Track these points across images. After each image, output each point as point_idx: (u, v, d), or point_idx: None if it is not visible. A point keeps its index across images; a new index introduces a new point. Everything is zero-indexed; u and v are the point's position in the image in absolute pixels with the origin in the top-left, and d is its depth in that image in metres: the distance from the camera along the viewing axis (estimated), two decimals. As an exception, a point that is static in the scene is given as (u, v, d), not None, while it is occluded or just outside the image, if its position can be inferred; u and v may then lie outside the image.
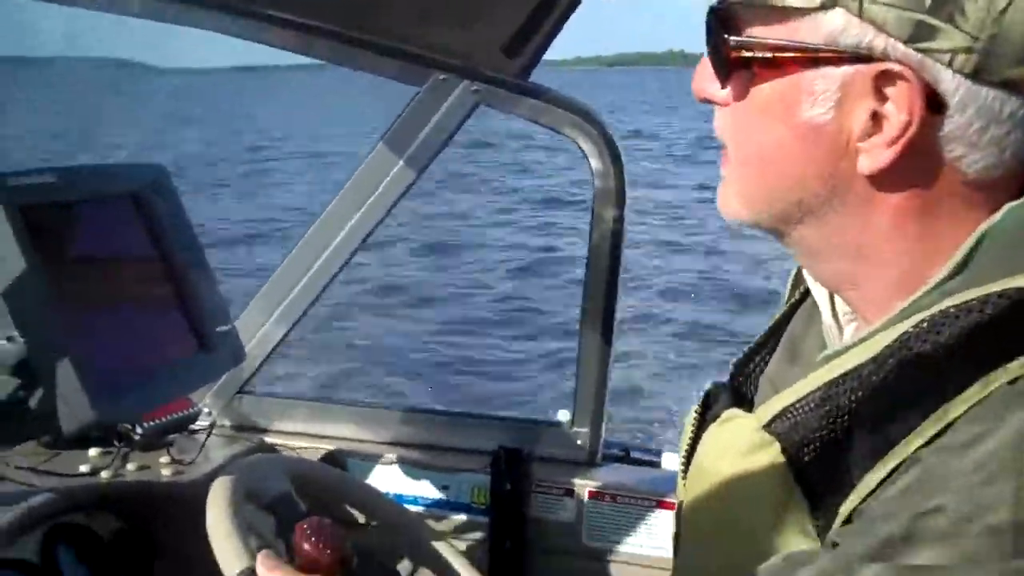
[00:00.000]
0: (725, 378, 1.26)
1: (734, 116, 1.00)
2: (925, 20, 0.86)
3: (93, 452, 2.14)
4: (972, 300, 0.88)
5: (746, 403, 1.17)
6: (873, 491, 0.88)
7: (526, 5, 1.93)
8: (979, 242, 0.92)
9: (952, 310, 0.89)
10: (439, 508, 2.46)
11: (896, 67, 0.88)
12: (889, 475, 0.87)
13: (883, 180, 0.94)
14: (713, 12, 0.97)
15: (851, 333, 1.06)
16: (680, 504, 1.19)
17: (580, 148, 2.22)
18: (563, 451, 2.44)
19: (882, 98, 0.90)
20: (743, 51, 0.95)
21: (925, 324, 0.89)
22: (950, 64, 0.87)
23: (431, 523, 2.28)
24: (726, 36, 0.96)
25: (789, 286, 1.27)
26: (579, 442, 2.43)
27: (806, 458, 0.94)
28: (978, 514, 0.78)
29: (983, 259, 0.92)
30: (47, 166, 1.34)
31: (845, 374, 0.94)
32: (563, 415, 2.46)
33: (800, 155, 0.96)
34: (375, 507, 1.94)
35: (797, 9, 0.90)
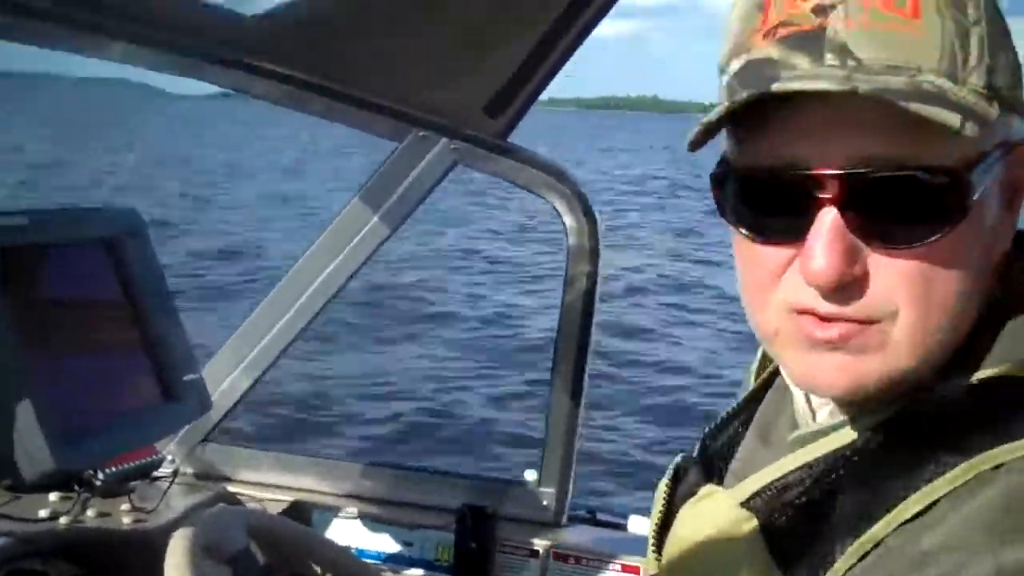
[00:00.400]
0: (694, 452, 1.26)
1: (915, 273, 0.88)
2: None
3: (53, 497, 2.11)
4: (959, 386, 0.89)
5: (715, 478, 1.16)
6: (852, 567, 0.87)
7: (509, 66, 1.94)
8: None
9: (935, 396, 0.89)
10: (402, 564, 2.43)
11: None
12: (868, 552, 0.86)
13: (994, 266, 0.95)
14: (896, 174, 0.86)
15: (826, 415, 1.03)
16: None
17: (555, 208, 2.24)
18: (529, 511, 2.42)
19: (1014, 177, 0.93)
20: (957, 191, 0.86)
21: (909, 410, 0.90)
22: None
23: None
24: (934, 181, 0.85)
25: (756, 362, 1.26)
26: (545, 502, 2.41)
27: (783, 534, 0.94)
28: None
29: (966, 350, 0.93)
30: (20, 208, 1.33)
31: (826, 455, 0.95)
32: (530, 475, 2.45)
33: (980, 273, 0.92)
34: (336, 562, 1.92)
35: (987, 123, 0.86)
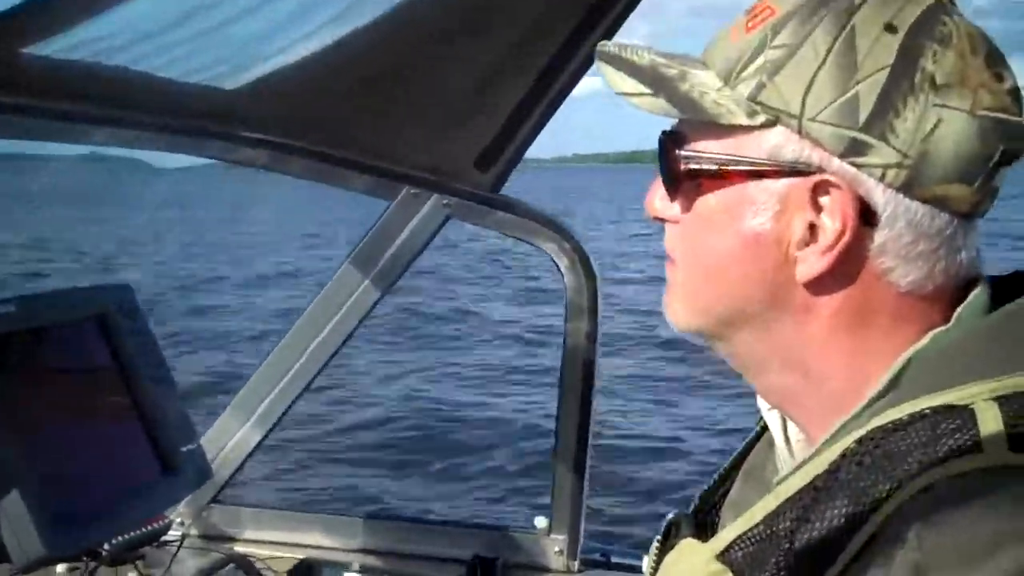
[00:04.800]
0: (689, 508, 1.25)
1: (682, 229, 1.03)
2: (858, 137, 0.90)
3: (60, 568, 2.11)
4: (896, 420, 0.89)
5: (708, 533, 1.15)
6: None
7: (498, 119, 1.95)
8: (907, 364, 0.94)
9: (878, 432, 0.89)
10: None
11: (831, 179, 0.91)
12: None
13: (818, 289, 0.96)
14: (665, 133, 1.01)
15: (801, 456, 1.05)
16: None
17: (553, 261, 2.24)
18: (540, 559, 2.41)
19: (818, 209, 0.93)
20: (691, 165, 0.99)
21: (852, 446, 0.90)
22: (882, 179, 0.90)
23: None
24: (676, 152, 0.99)
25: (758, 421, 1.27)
26: (556, 549, 2.40)
27: None
28: None
29: (909, 380, 0.93)
30: (7, 295, 1.34)
31: (785, 502, 0.93)
32: (540, 522, 2.44)
33: (743, 263, 0.98)
34: None
35: (741, 127, 0.94)
